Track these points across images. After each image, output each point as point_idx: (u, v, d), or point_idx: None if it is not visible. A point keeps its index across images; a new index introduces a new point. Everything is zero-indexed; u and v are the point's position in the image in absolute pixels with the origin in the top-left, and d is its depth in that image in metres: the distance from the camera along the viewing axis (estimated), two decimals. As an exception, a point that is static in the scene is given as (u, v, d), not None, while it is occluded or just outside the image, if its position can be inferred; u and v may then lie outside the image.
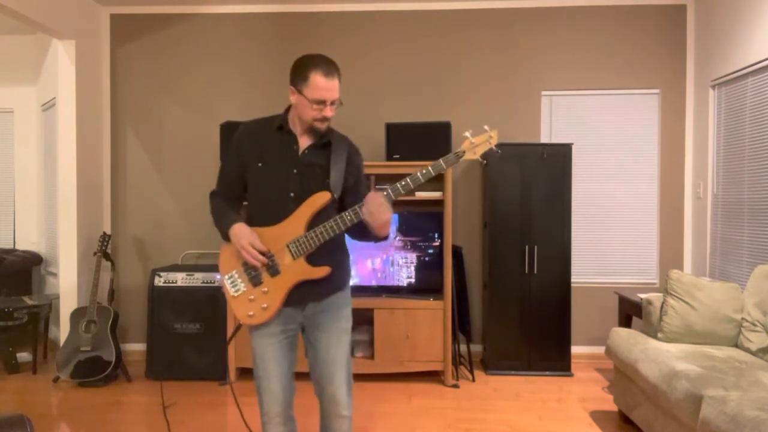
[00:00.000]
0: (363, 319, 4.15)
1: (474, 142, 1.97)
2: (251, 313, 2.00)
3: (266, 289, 1.99)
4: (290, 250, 1.96)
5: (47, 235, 5.28)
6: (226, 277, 2.05)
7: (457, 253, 4.31)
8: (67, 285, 4.47)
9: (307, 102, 1.92)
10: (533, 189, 4.27)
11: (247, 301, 2.01)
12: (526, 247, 4.28)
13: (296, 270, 1.97)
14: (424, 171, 1.92)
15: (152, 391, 3.93)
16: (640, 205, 4.68)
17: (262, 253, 1.96)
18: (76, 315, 4.14)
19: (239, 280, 2.03)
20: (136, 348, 4.73)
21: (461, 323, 4.33)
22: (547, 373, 4.27)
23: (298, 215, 1.97)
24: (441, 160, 1.93)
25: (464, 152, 1.96)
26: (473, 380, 4.17)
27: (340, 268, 2.10)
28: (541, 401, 3.75)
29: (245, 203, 2.16)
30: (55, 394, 3.94)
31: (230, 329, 4.11)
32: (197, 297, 4.15)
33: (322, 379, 2.07)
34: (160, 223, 4.84)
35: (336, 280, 2.06)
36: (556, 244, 4.27)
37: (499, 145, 4.45)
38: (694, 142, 4.61)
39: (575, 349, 4.47)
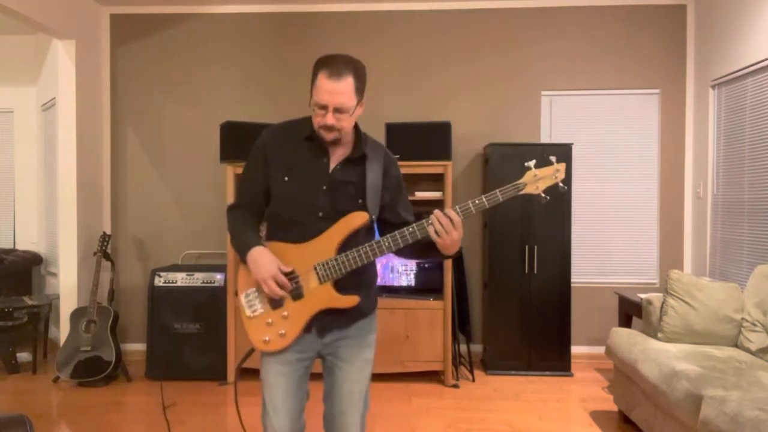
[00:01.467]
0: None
1: (537, 175, 1.75)
2: (267, 338, 1.79)
3: (286, 313, 1.78)
4: (317, 274, 1.75)
5: (47, 235, 5.28)
6: (243, 295, 1.84)
7: (457, 253, 4.30)
8: (67, 285, 4.46)
9: (312, 106, 1.73)
10: (533, 189, 4.26)
11: (263, 324, 1.80)
12: (526, 247, 4.28)
13: (322, 296, 1.76)
14: (477, 202, 1.69)
15: (152, 391, 3.93)
16: (640, 205, 4.68)
17: (287, 274, 1.75)
18: (76, 315, 4.14)
19: (257, 300, 1.81)
20: (136, 348, 4.73)
21: (461, 323, 4.33)
22: (547, 373, 4.27)
23: (331, 235, 1.75)
24: (498, 192, 1.70)
25: (525, 185, 1.74)
26: (473, 380, 4.17)
27: (369, 294, 1.89)
28: (541, 401, 3.75)
29: (265, 218, 1.98)
30: (55, 394, 3.94)
31: (230, 330, 4.11)
32: (197, 297, 4.15)
33: (335, 411, 1.87)
34: (160, 223, 4.84)
35: (363, 307, 1.84)
36: (556, 244, 4.27)
37: (500, 145, 4.52)
38: (694, 142, 4.61)
39: (575, 349, 4.47)
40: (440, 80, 4.73)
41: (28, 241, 5.41)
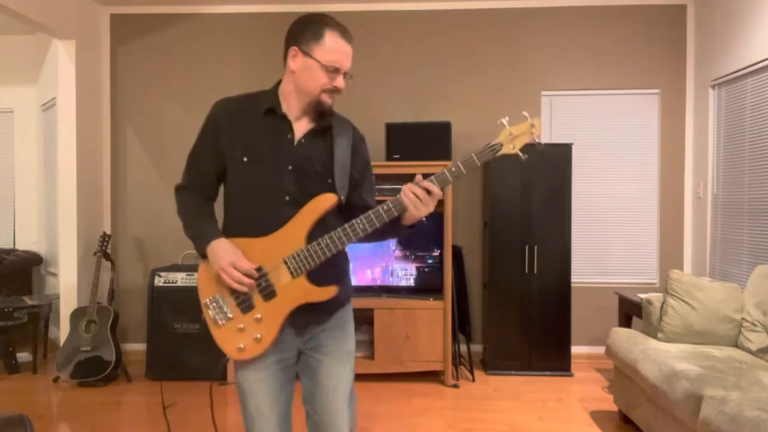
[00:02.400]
0: (363, 319, 4.14)
1: (513, 133, 1.58)
2: (241, 345, 1.61)
3: (259, 315, 1.61)
4: (289, 267, 1.58)
5: (47, 235, 5.28)
6: (208, 301, 1.65)
7: (457, 253, 4.30)
8: (67, 285, 4.46)
9: (318, 66, 1.55)
10: (533, 189, 4.27)
11: (235, 331, 1.62)
12: (526, 247, 4.28)
13: (297, 291, 1.59)
14: (453, 169, 1.56)
15: (152, 391, 3.93)
16: (640, 205, 4.68)
17: (251, 274, 1.58)
18: (76, 315, 4.14)
19: (224, 306, 1.63)
20: (136, 348, 4.73)
21: (461, 323, 4.33)
22: (547, 373, 4.27)
23: (298, 223, 1.58)
24: (474, 156, 1.56)
25: (501, 145, 1.59)
26: (473, 380, 4.17)
27: (344, 281, 1.75)
28: (541, 401, 3.75)
29: (218, 203, 1.79)
30: (55, 394, 3.94)
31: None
32: (197, 297, 4.13)
33: (320, 412, 1.71)
34: (160, 223, 4.83)
35: (341, 295, 1.69)
36: (556, 244, 4.27)
37: (499, 145, 4.50)
38: (694, 142, 4.61)
39: (575, 349, 4.47)
40: (440, 80, 4.73)
41: (28, 241, 5.41)
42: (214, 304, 1.65)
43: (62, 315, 4.41)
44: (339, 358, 1.72)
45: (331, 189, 1.61)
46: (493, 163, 4.32)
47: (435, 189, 1.53)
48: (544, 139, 4.69)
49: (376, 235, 1.65)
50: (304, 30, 1.59)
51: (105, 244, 4.30)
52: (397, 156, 4.20)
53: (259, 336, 1.61)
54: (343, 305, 1.75)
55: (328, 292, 1.61)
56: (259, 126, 1.63)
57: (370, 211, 1.56)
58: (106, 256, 4.34)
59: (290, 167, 1.61)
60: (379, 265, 4.24)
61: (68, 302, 4.43)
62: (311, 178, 1.62)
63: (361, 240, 1.64)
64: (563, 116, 4.72)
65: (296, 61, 1.59)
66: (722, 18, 4.18)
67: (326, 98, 1.60)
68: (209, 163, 1.69)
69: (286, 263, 1.59)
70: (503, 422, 3.39)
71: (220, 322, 1.65)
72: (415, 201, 1.53)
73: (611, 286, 4.61)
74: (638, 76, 4.65)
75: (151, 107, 4.86)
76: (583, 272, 4.68)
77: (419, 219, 1.58)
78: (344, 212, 1.67)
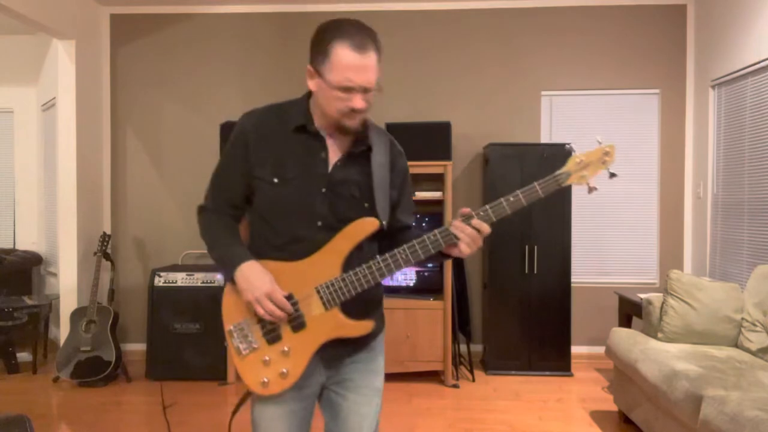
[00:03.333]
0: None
1: (583, 161, 1.43)
2: (265, 379, 1.46)
3: (287, 348, 1.46)
4: (321, 297, 1.44)
5: (47, 235, 5.28)
6: (233, 326, 1.50)
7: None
8: (67, 285, 4.46)
9: (329, 89, 1.37)
10: (533, 189, 4.26)
11: (259, 363, 1.47)
12: (526, 247, 4.28)
13: (328, 324, 1.45)
14: (512, 199, 1.44)
15: (152, 391, 3.93)
16: (640, 205, 4.68)
17: (286, 308, 1.44)
18: (76, 315, 4.14)
19: (250, 334, 1.48)
20: (136, 348, 4.73)
21: (461, 323, 4.33)
22: (547, 373, 4.27)
23: (333, 249, 1.44)
24: (537, 185, 1.41)
25: (569, 174, 1.43)
26: (473, 380, 4.17)
27: (378, 313, 1.62)
28: (541, 401, 3.75)
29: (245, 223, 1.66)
30: (55, 394, 3.94)
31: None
32: (197, 297, 4.15)
33: None
34: (160, 223, 4.83)
35: (376, 325, 1.56)
36: (556, 244, 4.27)
37: (500, 145, 4.52)
38: (694, 142, 4.61)
39: (575, 349, 4.47)
40: (440, 80, 4.73)
41: (28, 241, 5.41)
42: (239, 331, 1.49)
43: (62, 315, 4.40)
44: (365, 395, 1.58)
45: (368, 213, 1.46)
46: (492, 162, 4.32)
47: (486, 229, 1.42)
48: (544, 139, 4.69)
49: (421, 262, 1.53)
50: (314, 45, 1.41)
51: (105, 244, 4.30)
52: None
53: (285, 371, 1.46)
54: (377, 335, 1.61)
55: (363, 328, 1.48)
56: (289, 143, 1.47)
57: (415, 242, 1.41)
58: (106, 256, 4.34)
59: (324, 190, 1.46)
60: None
61: (68, 302, 4.43)
62: (346, 202, 1.47)
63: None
64: (563, 116, 4.72)
65: (312, 82, 1.43)
66: (722, 18, 4.18)
67: (348, 122, 1.41)
68: (237, 183, 1.53)
69: (318, 293, 1.44)
70: (503, 422, 3.39)
71: (243, 352, 1.48)
72: (467, 240, 1.41)
73: (611, 286, 4.61)
74: (638, 76, 4.65)
75: (151, 107, 4.86)
76: (583, 272, 4.68)
77: (464, 255, 1.45)
78: (379, 235, 1.51)
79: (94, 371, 4.00)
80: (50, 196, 5.12)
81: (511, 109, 4.72)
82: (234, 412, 1.63)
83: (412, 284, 4.25)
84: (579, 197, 4.60)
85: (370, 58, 1.39)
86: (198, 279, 4.19)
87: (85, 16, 4.59)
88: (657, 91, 4.66)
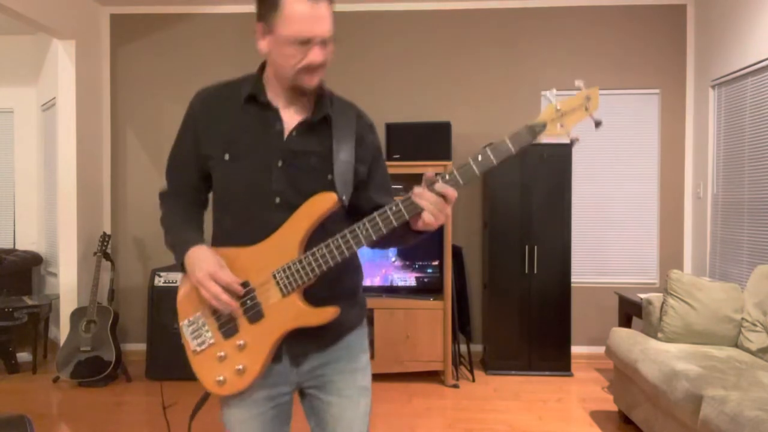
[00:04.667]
0: (363, 319, 4.14)
1: (560, 108, 1.26)
2: (221, 377, 1.34)
3: (242, 341, 1.33)
4: (278, 283, 1.30)
5: (47, 235, 5.28)
6: (186, 323, 1.38)
7: (457, 253, 4.30)
8: (67, 285, 4.46)
9: (283, 43, 1.25)
10: (533, 189, 4.27)
11: (214, 359, 1.34)
12: (526, 247, 4.28)
13: (287, 313, 1.31)
14: (480, 158, 1.25)
15: (152, 391, 3.93)
16: (640, 205, 4.68)
17: (233, 288, 1.30)
18: (76, 315, 4.14)
19: (204, 328, 1.36)
20: (136, 348, 4.73)
21: (461, 323, 4.33)
22: (547, 373, 4.27)
23: (290, 230, 1.30)
24: (508, 141, 1.23)
25: (545, 125, 1.25)
26: (473, 380, 4.17)
27: (353, 302, 1.46)
28: (541, 401, 3.75)
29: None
30: (55, 394, 3.94)
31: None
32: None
33: None
34: (160, 223, 4.83)
35: (348, 317, 1.41)
36: (556, 244, 4.27)
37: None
38: (694, 142, 4.61)
39: (575, 349, 4.47)
40: (440, 80, 4.73)
41: (28, 241, 5.40)
42: (193, 326, 1.37)
43: (62, 315, 4.40)
44: (350, 397, 1.42)
45: (332, 186, 1.32)
46: (493, 163, 4.31)
47: (451, 193, 1.27)
48: (544, 138, 4.67)
49: (381, 243, 1.38)
50: (263, 1, 1.28)
51: (105, 244, 4.30)
52: (397, 156, 4.20)
53: (241, 367, 1.32)
54: (352, 329, 1.45)
55: (325, 315, 1.31)
56: (240, 117, 1.36)
57: (375, 214, 1.27)
58: (106, 256, 4.34)
59: (280, 163, 1.33)
60: (378, 274, 4.24)
61: (68, 302, 4.43)
62: (306, 175, 1.34)
63: (376, 246, 1.41)
64: (563, 116, 4.71)
65: (263, 41, 1.30)
66: (722, 18, 4.18)
67: (307, 80, 1.28)
68: (190, 164, 1.45)
69: (275, 278, 1.30)
70: (503, 422, 3.39)
71: (197, 349, 1.36)
72: (431, 207, 1.25)
73: (611, 286, 4.61)
74: (638, 76, 4.65)
75: (151, 107, 4.86)
76: (583, 272, 4.68)
77: (433, 228, 1.29)
78: (351, 217, 1.37)
79: (94, 371, 4.00)
80: (50, 196, 5.12)
81: (511, 109, 4.72)
82: (192, 416, 1.53)
83: (412, 284, 4.25)
84: (579, 197, 4.60)
85: (324, 7, 1.24)
86: (198, 279, 4.19)
87: (85, 16, 4.59)
88: (657, 91, 4.66)
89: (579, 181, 4.57)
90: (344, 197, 1.33)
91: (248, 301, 1.32)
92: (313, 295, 1.32)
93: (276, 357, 1.36)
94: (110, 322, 4.12)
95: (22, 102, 5.41)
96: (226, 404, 1.42)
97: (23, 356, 4.53)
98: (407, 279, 4.25)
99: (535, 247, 4.27)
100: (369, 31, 4.74)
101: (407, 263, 4.24)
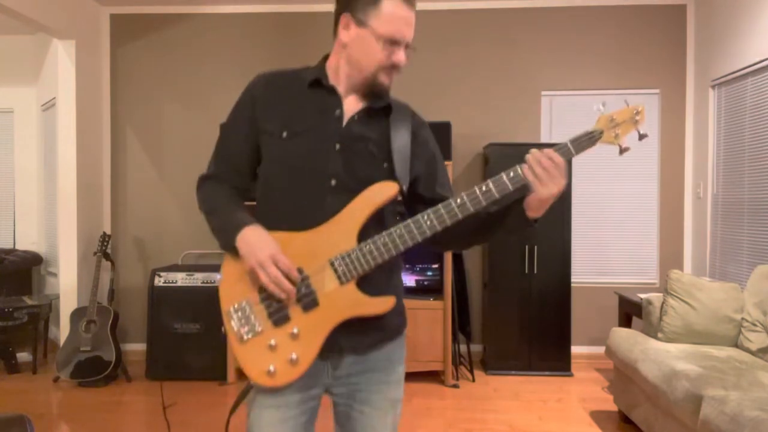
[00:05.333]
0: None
1: (615, 119, 1.29)
2: (272, 368, 1.26)
3: (296, 329, 1.27)
4: (336, 271, 1.27)
5: (47, 235, 5.28)
6: (232, 309, 1.30)
7: (457, 253, 4.30)
8: (67, 285, 4.46)
9: (374, 39, 1.27)
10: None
11: (264, 348, 1.27)
12: (526, 247, 4.28)
13: (344, 301, 1.27)
14: (562, 146, 1.27)
15: (152, 391, 3.93)
16: (640, 205, 4.68)
17: (292, 275, 1.25)
18: (76, 315, 4.14)
19: (252, 316, 1.29)
20: (136, 348, 4.72)
21: (461, 323, 4.33)
22: (547, 373, 4.27)
23: (349, 217, 1.27)
24: (569, 144, 1.26)
25: (601, 132, 1.29)
26: (473, 380, 4.17)
27: (399, 299, 1.39)
28: (541, 401, 3.75)
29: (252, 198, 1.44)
30: (55, 394, 3.94)
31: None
32: (197, 297, 4.15)
33: None
34: (160, 223, 4.83)
35: (390, 322, 1.36)
36: (556, 244, 4.27)
37: (500, 145, 4.52)
38: (694, 142, 4.61)
39: (575, 349, 4.47)
40: (440, 80, 4.73)
41: (28, 241, 5.40)
42: (239, 313, 1.29)
43: (62, 315, 4.41)
44: (380, 409, 1.39)
45: (387, 174, 1.30)
46: (492, 162, 4.31)
47: (559, 159, 1.23)
48: (544, 138, 4.69)
49: (473, 232, 1.35)
50: None
51: (105, 244, 4.30)
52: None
53: (294, 356, 1.26)
54: (393, 338, 1.40)
55: (384, 304, 1.28)
56: (302, 99, 1.35)
57: (440, 205, 1.24)
58: (106, 256, 4.34)
59: (338, 146, 1.31)
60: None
61: (68, 302, 4.43)
62: (363, 160, 1.31)
63: (448, 240, 1.36)
64: (563, 116, 4.72)
65: (349, 31, 1.30)
66: (722, 18, 4.18)
67: (384, 78, 1.31)
68: (243, 144, 1.39)
69: (332, 265, 1.27)
70: (503, 422, 3.39)
71: (245, 337, 1.28)
72: (540, 171, 1.21)
73: (611, 286, 4.61)
74: (638, 76, 4.65)
75: (151, 107, 4.86)
76: (583, 272, 4.68)
77: (545, 204, 1.25)
78: (414, 209, 1.36)
79: (94, 371, 4.00)
80: (50, 196, 5.12)
81: (511, 109, 4.72)
82: (232, 411, 1.42)
83: (412, 284, 4.25)
84: (579, 197, 4.60)
85: (414, 15, 1.35)
86: (198, 279, 4.19)
87: (85, 16, 4.59)
88: (657, 91, 4.66)
89: (579, 181, 4.58)
90: (404, 186, 1.32)
91: (303, 288, 1.27)
92: (366, 286, 1.28)
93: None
94: (110, 322, 4.12)
95: (22, 102, 5.41)
96: (259, 403, 1.33)
97: (23, 356, 4.52)
98: (407, 279, 4.25)
99: (535, 247, 4.27)
100: (369, 31, 4.73)
101: (407, 264, 4.24)
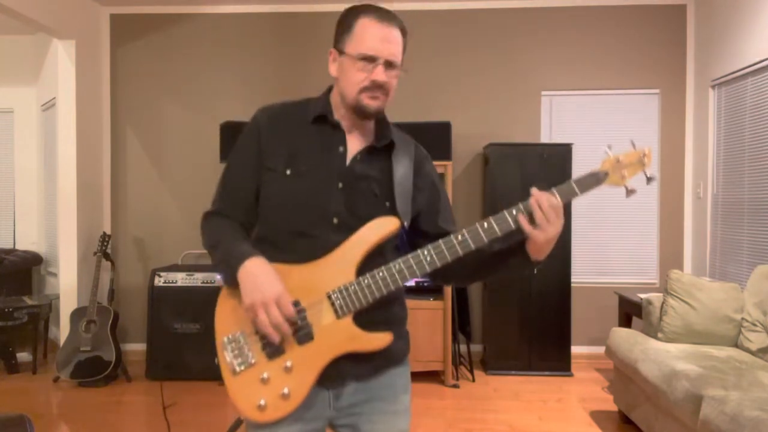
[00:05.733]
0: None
1: (621, 161, 1.31)
2: (263, 402, 1.23)
3: (289, 363, 1.24)
4: (333, 304, 1.25)
5: (47, 235, 5.28)
6: (226, 340, 1.28)
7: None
8: (67, 285, 4.46)
9: (351, 62, 1.27)
10: (533, 189, 4.26)
11: (256, 382, 1.25)
12: (526, 247, 4.27)
13: (340, 335, 1.25)
14: (565, 188, 1.28)
15: (152, 391, 3.93)
16: (640, 205, 4.68)
17: (292, 318, 1.23)
18: (76, 315, 4.14)
19: (246, 347, 1.26)
20: (136, 348, 4.72)
21: (461, 323, 4.33)
22: (547, 373, 4.27)
23: (349, 250, 1.27)
24: (573, 184, 1.27)
25: (607, 174, 1.31)
26: (473, 380, 4.17)
27: (401, 332, 1.38)
28: (541, 401, 3.75)
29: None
30: (55, 394, 3.94)
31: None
32: (197, 297, 4.15)
33: None
34: (160, 223, 4.83)
35: (394, 349, 1.33)
36: (556, 244, 4.24)
37: (500, 145, 4.52)
38: (694, 142, 4.61)
39: (575, 349, 4.47)
40: (440, 80, 4.73)
41: (28, 241, 5.40)
42: (233, 344, 1.27)
43: (62, 315, 4.41)
44: None
45: (389, 213, 1.30)
46: (492, 162, 4.31)
47: (556, 202, 1.23)
48: (544, 138, 4.69)
49: (474, 269, 1.35)
50: (338, 26, 1.32)
51: (105, 244, 4.30)
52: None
53: (287, 391, 1.23)
54: (397, 363, 1.37)
55: (380, 340, 1.27)
56: (305, 135, 1.34)
57: (440, 241, 1.24)
58: (106, 256, 4.34)
59: (341, 185, 1.31)
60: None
61: (68, 302, 4.43)
62: (365, 199, 1.31)
63: (449, 276, 1.37)
64: (563, 116, 4.72)
65: (334, 65, 1.33)
66: (722, 18, 4.18)
67: (367, 100, 1.28)
68: (249, 180, 1.35)
69: (330, 299, 1.25)
70: (503, 422, 3.39)
71: (237, 369, 1.25)
72: (540, 216, 1.21)
73: (611, 286, 4.61)
74: (638, 76, 4.65)
75: (151, 107, 4.86)
76: (583, 272, 4.68)
77: (545, 247, 1.27)
78: (416, 243, 1.34)
79: (94, 371, 4.00)
80: (50, 196, 5.12)
81: (511, 109, 4.72)
82: None
83: (412, 284, 4.24)
84: (579, 197, 4.59)
85: (395, 33, 1.30)
86: (198, 279, 4.19)
87: (85, 16, 4.59)
88: (657, 91, 4.66)
89: (579, 181, 4.56)
90: (405, 222, 1.32)
91: (298, 321, 1.24)
92: (363, 321, 1.26)
93: (319, 383, 1.27)
94: (110, 322, 4.12)
95: (22, 102, 5.41)
96: None
97: (23, 356, 4.52)
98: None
99: (535, 247, 4.26)
100: (369, 31, 4.73)
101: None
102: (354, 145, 1.34)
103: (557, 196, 1.23)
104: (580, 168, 4.56)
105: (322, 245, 1.27)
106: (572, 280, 4.32)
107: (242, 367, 1.25)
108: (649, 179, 1.33)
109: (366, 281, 1.25)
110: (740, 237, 3.95)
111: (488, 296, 4.37)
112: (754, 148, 3.82)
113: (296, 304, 1.24)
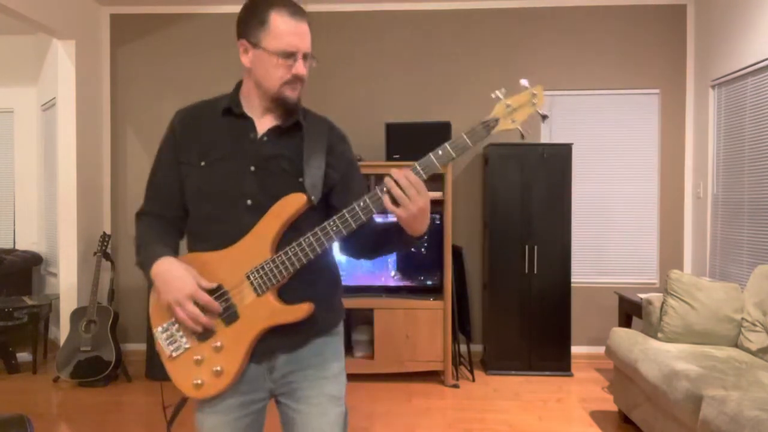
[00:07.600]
0: (363, 319, 4.14)
1: (511, 105, 1.34)
2: (198, 381, 1.36)
3: (219, 343, 1.35)
4: (252, 283, 1.33)
5: (47, 235, 5.28)
6: (160, 329, 1.40)
7: (457, 253, 4.30)
8: (67, 285, 4.46)
9: (269, 57, 1.35)
10: (533, 189, 4.27)
11: (191, 363, 1.37)
12: (526, 247, 4.28)
13: (262, 311, 1.33)
14: (440, 152, 1.27)
15: (152, 391, 3.93)
16: (640, 205, 4.68)
17: (211, 292, 1.34)
18: (76, 315, 4.13)
19: (179, 334, 1.38)
20: (136, 348, 4.73)
21: (461, 323, 4.33)
22: (547, 373, 4.27)
23: (262, 231, 1.34)
24: (465, 136, 1.29)
25: (497, 120, 1.34)
26: (473, 380, 4.17)
27: (329, 304, 1.46)
28: (541, 401, 3.75)
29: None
30: (55, 394, 3.94)
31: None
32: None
33: None
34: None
35: (322, 320, 1.41)
36: (556, 244, 4.27)
37: (500, 145, 4.52)
38: (694, 142, 4.61)
39: (575, 349, 4.47)
40: (440, 80, 4.73)
41: (28, 241, 5.41)
42: (167, 333, 1.39)
43: (62, 315, 4.40)
44: (317, 405, 1.40)
45: (303, 188, 1.36)
46: (492, 162, 4.31)
47: (414, 178, 1.24)
48: (544, 138, 4.69)
49: (372, 245, 1.43)
50: (247, 17, 1.40)
51: (105, 244, 4.30)
52: (397, 156, 4.20)
53: (219, 368, 1.35)
54: (325, 333, 1.45)
55: (300, 311, 1.33)
56: (217, 128, 1.42)
57: (344, 210, 1.30)
58: (106, 256, 4.34)
59: (252, 168, 1.38)
60: (378, 273, 4.24)
61: (68, 302, 4.43)
62: (277, 178, 1.38)
63: (358, 251, 1.46)
64: (563, 116, 4.72)
65: (246, 56, 1.40)
66: (722, 18, 4.18)
67: (289, 92, 1.36)
68: (170, 178, 1.45)
69: (249, 278, 1.33)
70: (503, 422, 3.39)
71: (173, 354, 1.39)
72: (398, 194, 1.23)
73: (611, 286, 4.61)
74: (638, 76, 4.65)
75: (151, 107, 4.86)
76: (583, 272, 4.68)
77: (418, 221, 1.28)
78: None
79: (94, 371, 4.00)
80: (50, 196, 5.12)
81: (511, 109, 4.71)
82: (170, 422, 1.47)
83: (412, 284, 4.25)
84: (579, 197, 4.60)
85: (306, 26, 1.40)
86: (198, 279, 4.19)
87: (85, 16, 4.59)
88: (657, 91, 4.66)
89: (579, 181, 4.57)
90: (314, 198, 1.36)
91: (223, 304, 1.34)
92: (289, 297, 1.35)
93: (253, 358, 1.38)
94: (110, 322, 4.12)
95: (22, 102, 5.41)
96: (200, 410, 1.44)
97: (23, 356, 4.52)
98: (408, 279, 4.25)
99: (535, 247, 4.27)
100: (369, 31, 4.74)
101: (407, 265, 4.23)
102: (264, 127, 1.42)
103: (420, 170, 1.26)
104: (579, 168, 4.56)
105: (238, 227, 1.35)
106: (572, 280, 4.32)
107: (177, 352, 1.39)
108: (543, 117, 1.36)
109: (280, 258, 1.32)
110: (740, 237, 3.95)
111: (488, 296, 4.37)
112: (754, 148, 3.82)
113: (219, 288, 1.35)
